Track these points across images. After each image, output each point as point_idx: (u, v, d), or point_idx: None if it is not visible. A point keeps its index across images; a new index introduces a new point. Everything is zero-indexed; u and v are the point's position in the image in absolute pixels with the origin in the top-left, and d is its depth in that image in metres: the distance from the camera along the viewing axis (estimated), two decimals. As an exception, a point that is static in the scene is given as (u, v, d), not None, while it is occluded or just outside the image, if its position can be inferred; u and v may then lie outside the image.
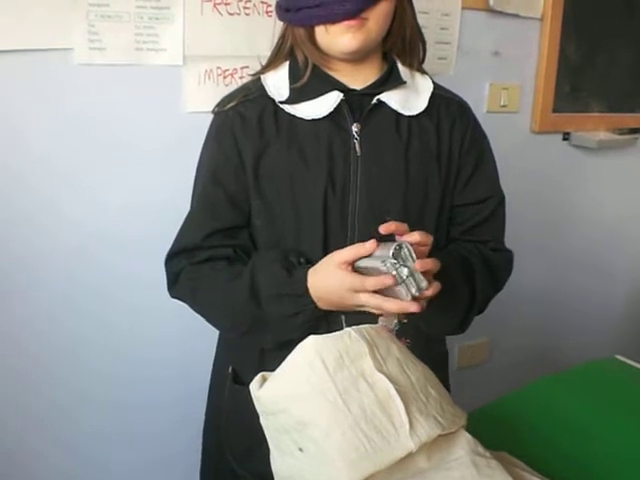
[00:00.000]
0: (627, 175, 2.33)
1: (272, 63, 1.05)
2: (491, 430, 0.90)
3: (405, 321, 1.02)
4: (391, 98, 1.02)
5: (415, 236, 0.88)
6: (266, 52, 1.07)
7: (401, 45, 1.04)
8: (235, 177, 1.02)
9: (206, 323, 1.06)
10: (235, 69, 1.49)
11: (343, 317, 0.99)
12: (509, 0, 1.85)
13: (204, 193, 1.04)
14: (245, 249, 1.04)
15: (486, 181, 1.10)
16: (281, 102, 1.01)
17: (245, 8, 1.47)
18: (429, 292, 0.87)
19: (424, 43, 1.07)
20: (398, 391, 0.75)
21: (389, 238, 0.89)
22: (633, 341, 2.31)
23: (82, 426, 1.53)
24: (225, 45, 1.47)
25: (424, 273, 0.86)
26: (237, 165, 1.02)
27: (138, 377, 1.57)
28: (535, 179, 2.07)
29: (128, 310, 1.52)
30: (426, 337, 1.05)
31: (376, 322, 0.97)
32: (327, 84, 1.01)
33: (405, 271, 0.84)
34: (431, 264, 0.87)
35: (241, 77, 1.49)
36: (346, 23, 0.93)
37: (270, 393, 0.78)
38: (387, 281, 0.84)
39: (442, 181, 1.06)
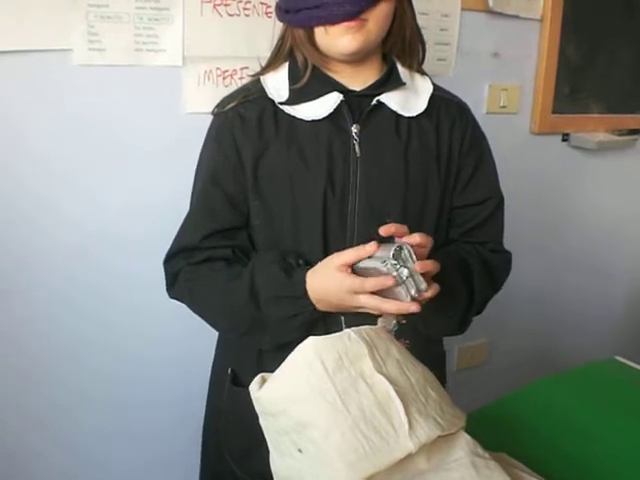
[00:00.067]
0: (626, 176, 2.34)
1: (272, 64, 1.05)
2: (490, 431, 0.90)
3: (404, 322, 1.02)
4: (391, 99, 1.02)
5: (415, 237, 0.88)
6: (266, 53, 1.07)
7: (401, 46, 1.04)
8: (234, 178, 1.02)
9: (205, 323, 1.06)
10: (235, 70, 1.49)
11: (342, 318, 0.99)
12: (509, 1, 1.85)
13: (203, 194, 1.04)
14: (244, 250, 1.04)
15: (485, 182, 1.10)
16: (281, 103, 1.01)
17: (245, 9, 1.47)
18: (428, 294, 0.87)
19: (424, 44, 1.07)
20: (397, 392, 0.75)
21: (388, 239, 0.89)
22: (632, 342, 2.31)
23: (82, 426, 1.53)
24: (225, 46, 1.47)
25: (423, 275, 0.86)
26: (236, 166, 1.02)
27: (138, 377, 1.57)
28: (534, 180, 2.07)
29: (128, 310, 1.52)
30: (425, 338, 1.05)
31: (375, 323, 0.97)
32: (327, 85, 1.01)
33: (405, 272, 0.84)
34: (431, 266, 0.87)
35: (241, 78, 1.49)
36: (346, 24, 0.93)
37: (269, 394, 0.78)
38: (387, 282, 0.84)
39: (442, 182, 1.06)
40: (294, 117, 1.01)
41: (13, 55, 1.28)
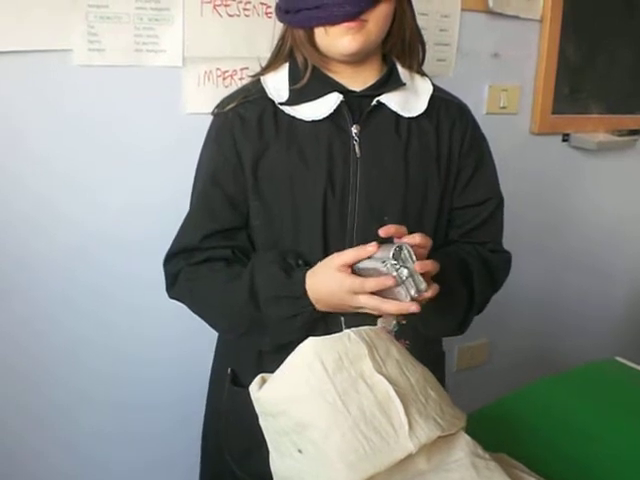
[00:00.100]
0: (626, 176, 2.34)
1: (272, 64, 1.05)
2: (490, 431, 0.90)
3: (404, 322, 1.02)
4: (391, 100, 1.02)
5: (416, 238, 0.88)
6: (266, 53, 1.07)
7: (401, 47, 1.04)
8: (234, 178, 1.02)
9: (205, 324, 1.06)
10: (235, 70, 1.49)
11: (342, 319, 0.99)
12: (509, 2, 1.85)
13: (203, 194, 1.04)
14: (243, 250, 1.04)
15: (485, 183, 1.10)
16: (281, 103, 1.01)
17: (245, 9, 1.47)
18: (428, 294, 0.87)
19: (423, 45, 1.07)
20: (397, 392, 0.75)
21: (388, 240, 0.89)
22: (633, 342, 2.31)
23: (82, 426, 1.53)
24: (225, 46, 1.47)
25: (423, 275, 0.86)
26: (236, 166, 1.02)
27: (138, 377, 1.57)
28: (534, 180, 2.07)
29: (128, 310, 1.52)
30: (425, 338, 1.05)
31: (375, 323, 0.97)
32: (327, 85, 1.01)
33: (405, 272, 0.84)
34: (431, 266, 0.87)
35: (241, 78, 1.49)
36: (345, 25, 0.93)
37: (269, 395, 0.78)
38: (388, 282, 0.84)
39: (441, 183, 1.06)
40: (294, 117, 1.01)
41: (13, 55, 1.28)
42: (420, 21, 1.07)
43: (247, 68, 1.47)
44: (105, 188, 1.44)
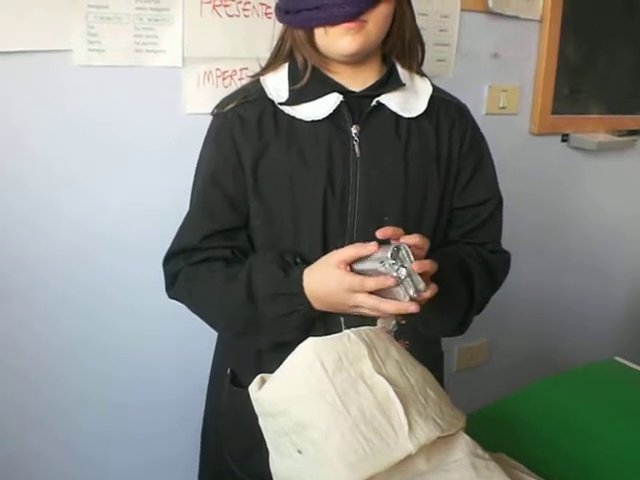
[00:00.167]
0: (626, 177, 2.34)
1: (271, 65, 1.05)
2: (490, 432, 0.90)
3: (404, 322, 1.02)
4: (390, 100, 1.02)
5: (414, 238, 0.88)
6: (265, 54, 1.07)
7: (400, 47, 1.04)
8: (234, 178, 1.02)
9: (205, 325, 1.06)
10: (234, 70, 1.49)
11: (342, 319, 0.99)
12: (508, 2, 1.85)
13: (203, 194, 1.04)
14: (243, 250, 1.04)
15: (485, 183, 1.10)
16: (280, 103, 1.01)
17: (244, 10, 1.47)
18: (427, 294, 0.87)
19: (423, 45, 1.07)
20: (397, 393, 0.75)
21: (386, 241, 0.89)
22: (632, 343, 2.31)
23: (81, 427, 1.53)
24: (224, 47, 1.47)
25: (422, 275, 0.86)
26: (236, 166, 1.02)
27: (137, 378, 1.57)
28: (534, 181, 2.07)
29: (127, 311, 1.52)
30: (424, 339, 1.05)
31: (375, 324, 0.97)
32: (326, 86, 1.01)
33: (404, 272, 0.84)
34: (429, 265, 0.87)
35: (240, 79, 1.49)
36: (345, 25, 0.93)
37: (269, 395, 0.78)
38: (388, 282, 0.84)
39: (441, 183, 1.06)
40: (294, 117, 1.01)
41: (13, 55, 1.28)
42: (420, 21, 1.07)
43: (247, 68, 1.47)
44: (105, 188, 1.44)
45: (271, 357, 0.89)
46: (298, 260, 0.99)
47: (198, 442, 1.24)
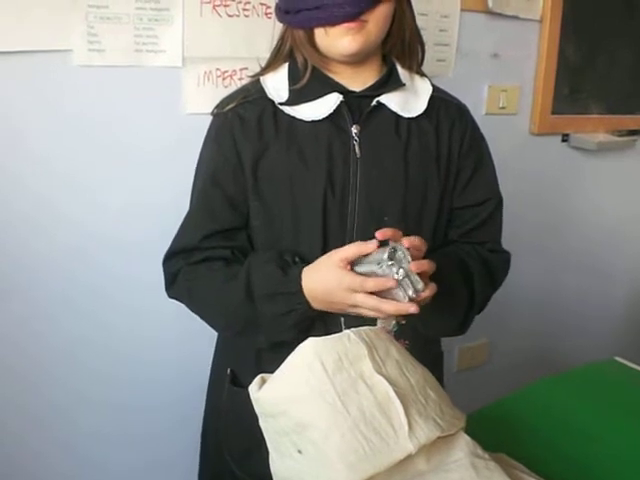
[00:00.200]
0: (626, 177, 2.34)
1: (271, 65, 1.05)
2: (490, 432, 0.90)
3: (404, 322, 1.02)
4: (390, 100, 1.02)
5: (412, 240, 0.88)
6: (265, 54, 1.07)
7: (400, 47, 1.04)
8: (234, 178, 1.02)
9: (205, 325, 1.06)
10: (234, 70, 1.49)
11: (342, 319, 0.99)
12: (508, 2, 1.85)
13: (203, 194, 1.04)
14: (243, 250, 1.04)
15: (485, 183, 1.10)
16: (281, 103, 1.01)
17: (244, 10, 1.47)
18: (426, 293, 0.87)
19: (423, 45, 1.07)
20: (397, 393, 0.75)
21: (385, 242, 0.89)
22: (632, 343, 2.31)
23: (81, 427, 1.53)
24: (224, 47, 1.47)
25: (420, 275, 0.86)
26: (236, 166, 1.02)
27: (137, 378, 1.57)
28: (534, 181, 2.07)
29: (127, 311, 1.52)
30: (424, 338, 1.05)
31: (375, 324, 0.97)
32: (327, 86, 1.01)
33: (401, 272, 0.84)
34: (427, 266, 0.87)
35: (240, 79, 1.49)
36: (345, 25, 0.93)
37: (269, 395, 0.78)
38: (388, 283, 0.84)
39: (441, 183, 1.06)
40: (294, 118, 1.01)
41: (13, 56, 1.28)
42: (420, 21, 1.07)
43: (247, 68, 1.47)
44: (105, 188, 1.44)
45: (271, 357, 0.89)
46: (297, 259, 0.99)
47: (198, 442, 1.24)
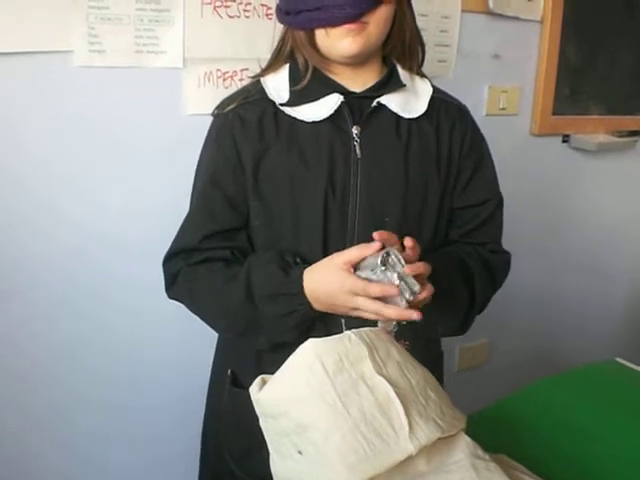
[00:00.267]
0: (626, 177, 2.34)
1: (272, 66, 1.05)
2: (490, 433, 0.90)
3: (404, 323, 1.02)
4: (391, 101, 1.02)
5: (406, 241, 0.88)
6: (266, 55, 1.07)
7: (401, 49, 1.05)
8: (234, 179, 1.02)
9: (205, 325, 1.06)
10: (235, 71, 1.49)
11: (343, 320, 0.99)
12: (509, 3, 1.85)
13: (203, 195, 1.04)
14: (243, 251, 1.04)
15: (485, 184, 1.10)
16: (281, 104, 1.01)
17: (245, 11, 1.47)
18: (422, 295, 0.87)
19: (423, 46, 1.08)
20: (398, 394, 0.75)
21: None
22: (633, 343, 2.31)
23: (80, 427, 1.53)
24: (225, 48, 1.47)
25: (416, 277, 0.86)
26: (236, 167, 1.02)
27: (137, 379, 1.57)
28: (534, 181, 2.08)
29: (127, 312, 1.52)
30: (424, 339, 1.05)
31: (375, 325, 0.97)
32: (327, 87, 1.01)
33: (395, 277, 0.84)
34: (422, 268, 0.87)
35: (241, 79, 1.49)
36: (346, 27, 0.93)
37: (270, 396, 0.78)
38: (391, 290, 0.84)
39: (441, 184, 1.06)
40: (294, 118, 1.01)
41: (13, 56, 1.28)
42: (420, 22, 1.07)
43: (247, 69, 1.47)
44: (105, 189, 1.44)
45: (271, 358, 0.89)
46: (298, 260, 0.99)
47: (198, 442, 1.24)
